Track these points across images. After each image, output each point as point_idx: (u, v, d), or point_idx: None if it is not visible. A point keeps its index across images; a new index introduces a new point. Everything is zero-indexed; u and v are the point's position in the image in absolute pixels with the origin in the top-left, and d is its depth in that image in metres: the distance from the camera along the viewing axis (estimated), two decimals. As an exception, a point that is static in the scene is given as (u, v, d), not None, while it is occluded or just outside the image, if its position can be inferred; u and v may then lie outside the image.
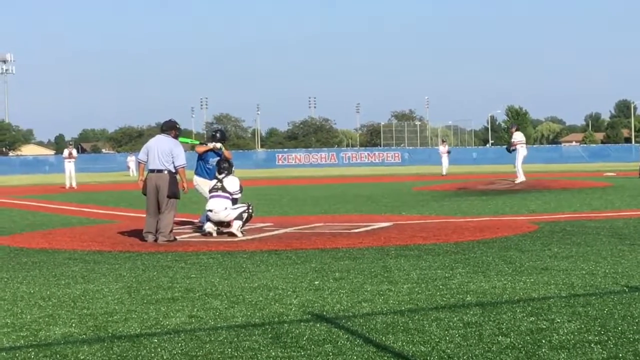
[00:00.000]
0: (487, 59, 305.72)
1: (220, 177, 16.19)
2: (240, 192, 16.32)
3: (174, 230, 15.70)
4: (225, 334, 7.51)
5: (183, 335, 7.55)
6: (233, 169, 16.59)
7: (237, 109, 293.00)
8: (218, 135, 17.99)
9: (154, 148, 15.63)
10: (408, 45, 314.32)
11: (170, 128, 16.06)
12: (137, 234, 16.32)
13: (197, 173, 17.48)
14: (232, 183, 16.13)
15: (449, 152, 55.20)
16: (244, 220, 15.83)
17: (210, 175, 17.06)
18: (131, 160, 71.48)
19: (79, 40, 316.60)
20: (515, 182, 33.25)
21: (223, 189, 16.01)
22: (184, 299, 9.33)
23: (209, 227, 16.06)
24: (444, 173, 51.45)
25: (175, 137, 16.02)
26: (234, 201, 16.05)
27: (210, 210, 15.91)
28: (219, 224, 16.06)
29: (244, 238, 15.40)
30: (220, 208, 15.82)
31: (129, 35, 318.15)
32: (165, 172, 15.47)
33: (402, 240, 14.53)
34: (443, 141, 61.68)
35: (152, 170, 15.56)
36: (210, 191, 16.20)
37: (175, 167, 15.54)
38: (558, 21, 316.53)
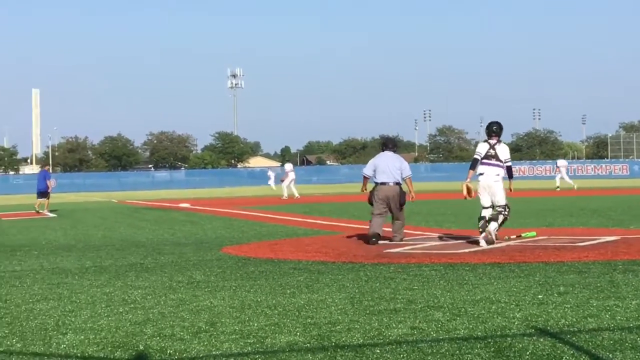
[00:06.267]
0: None
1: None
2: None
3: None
4: (447, 347, 7.48)
5: (405, 346, 7.57)
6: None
7: (460, 121, 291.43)
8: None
9: (383, 164, 17.68)
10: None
11: (395, 145, 18.52)
12: (360, 245, 16.54)
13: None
14: (503, 150, 16.38)
15: None
16: (500, 222, 16.01)
17: None
18: (271, 175, 69.75)
19: (303, 55, 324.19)
20: None
21: (496, 156, 16.28)
22: (406, 311, 9.36)
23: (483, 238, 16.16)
24: None
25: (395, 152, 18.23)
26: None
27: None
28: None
29: (467, 250, 15.32)
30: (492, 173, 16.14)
31: (352, 50, 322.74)
32: (394, 184, 17.63)
33: (630, 255, 14.03)
34: None
35: (383, 183, 17.65)
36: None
37: (402, 178, 17.71)
38: None
